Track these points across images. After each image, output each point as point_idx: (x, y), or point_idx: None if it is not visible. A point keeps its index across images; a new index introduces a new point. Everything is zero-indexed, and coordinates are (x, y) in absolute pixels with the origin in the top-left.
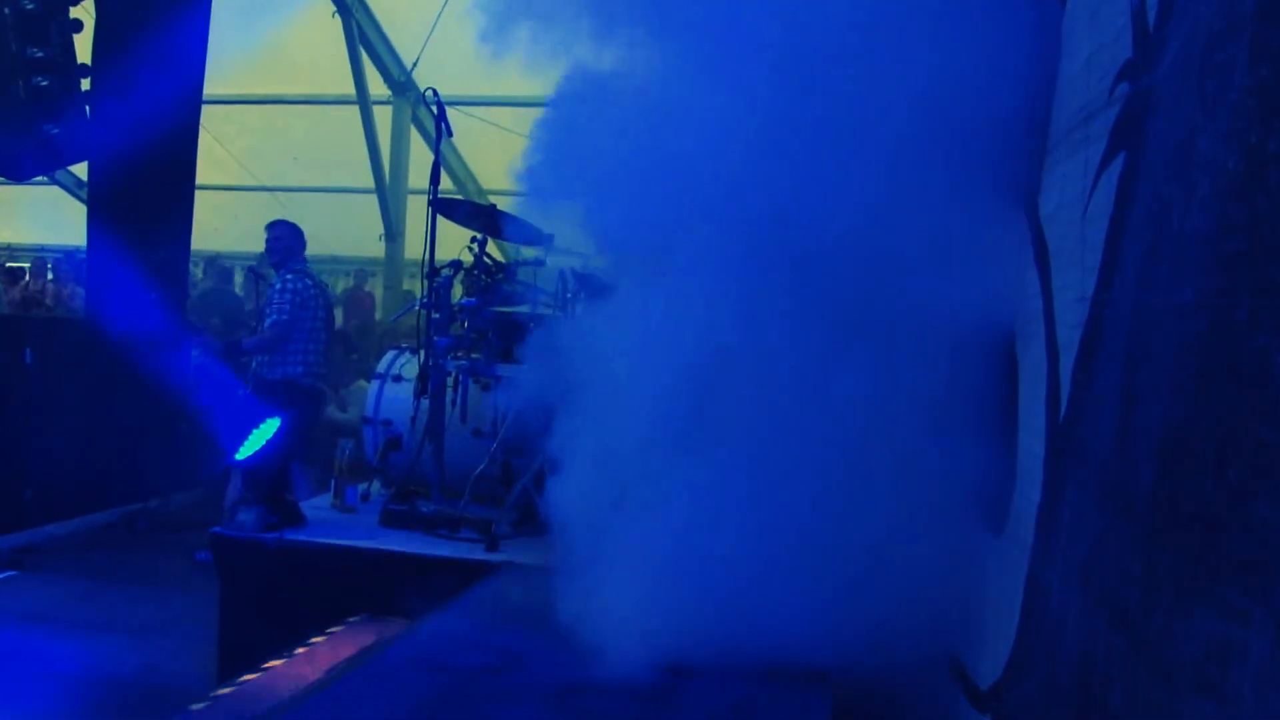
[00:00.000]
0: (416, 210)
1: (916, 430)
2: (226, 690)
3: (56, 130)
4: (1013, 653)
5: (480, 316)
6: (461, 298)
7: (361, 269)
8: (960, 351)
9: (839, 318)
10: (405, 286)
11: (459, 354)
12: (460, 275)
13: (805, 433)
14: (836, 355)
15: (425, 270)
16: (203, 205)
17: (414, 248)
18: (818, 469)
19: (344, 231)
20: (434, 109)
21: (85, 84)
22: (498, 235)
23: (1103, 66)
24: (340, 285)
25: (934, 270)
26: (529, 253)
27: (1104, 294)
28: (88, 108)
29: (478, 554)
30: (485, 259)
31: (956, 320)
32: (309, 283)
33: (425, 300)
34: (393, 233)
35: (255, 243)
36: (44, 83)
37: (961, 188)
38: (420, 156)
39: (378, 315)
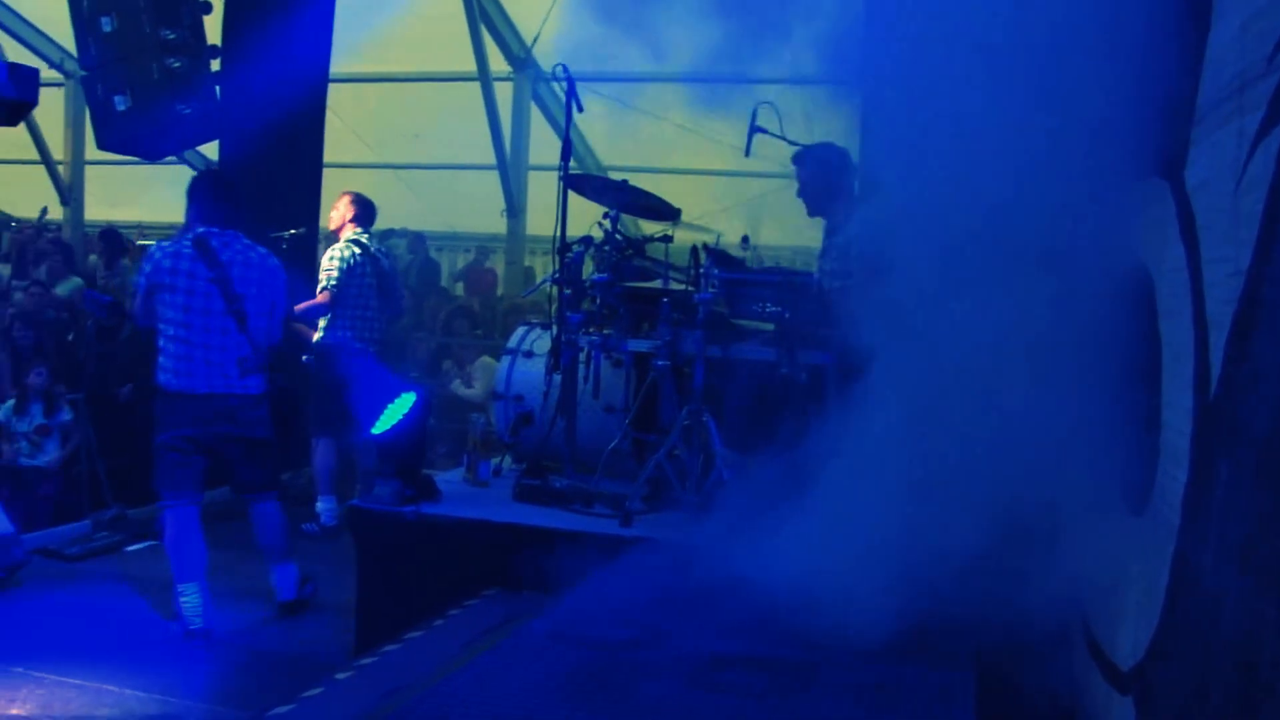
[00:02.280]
0: (537, 186)
1: (1057, 408)
2: (369, 660)
3: (188, 110)
4: (1157, 634)
5: (611, 292)
6: (592, 273)
7: (482, 245)
8: (1101, 329)
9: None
10: (526, 262)
11: (590, 329)
12: (591, 251)
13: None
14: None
15: (556, 246)
16: (325, 183)
17: (535, 223)
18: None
19: (464, 208)
20: (563, 85)
21: (215, 65)
22: (629, 210)
23: (1260, 33)
24: (460, 261)
25: (1077, 246)
26: (658, 229)
27: (1262, 267)
28: (217, 88)
29: (612, 529)
30: (617, 235)
31: (1100, 299)
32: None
33: (556, 276)
34: (514, 208)
35: (378, 220)
36: (176, 64)
37: (1103, 161)
38: (540, 132)
39: (499, 291)
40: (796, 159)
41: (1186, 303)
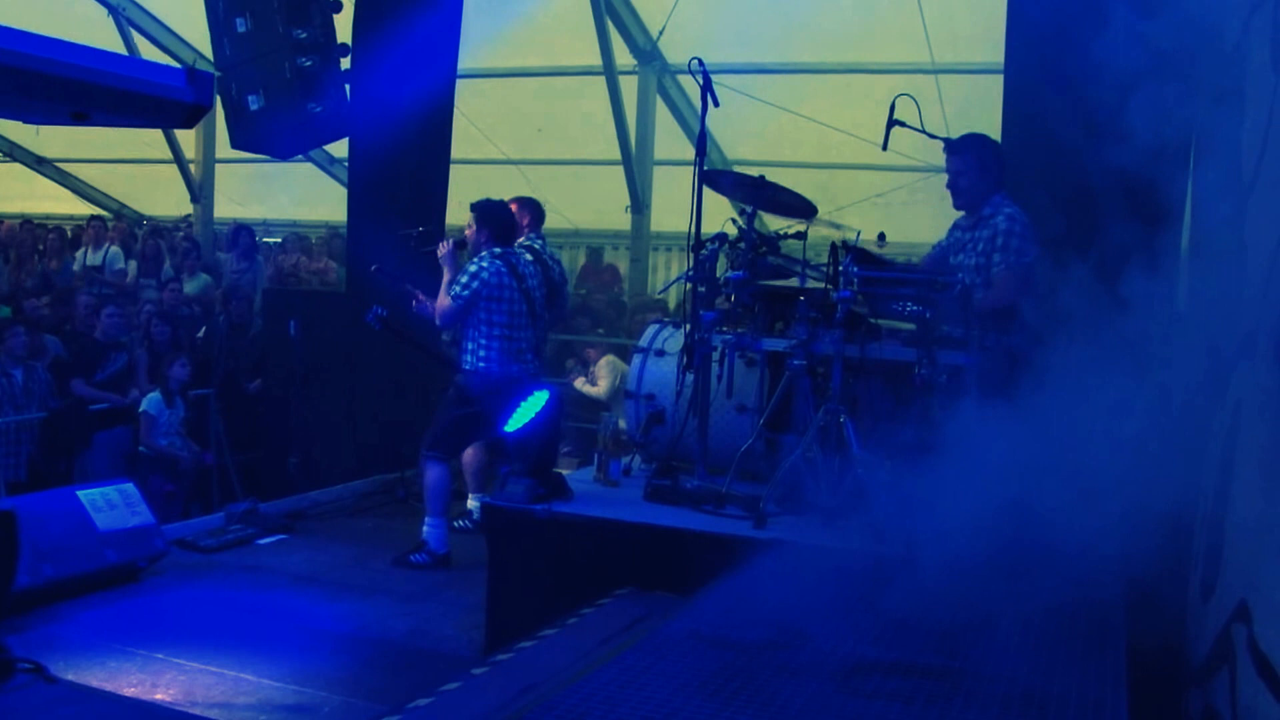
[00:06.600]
0: (662, 181)
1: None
2: (505, 656)
3: (319, 109)
4: None
5: (746, 290)
6: (726, 271)
7: (605, 242)
8: None
9: None
10: (650, 259)
11: (724, 328)
12: (725, 248)
13: None
14: None
15: (690, 243)
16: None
17: (660, 220)
18: None
19: (588, 204)
20: (692, 78)
21: (345, 63)
22: (765, 207)
23: None
24: (582, 258)
25: None
26: (787, 225)
27: None
28: (347, 87)
29: (745, 531)
30: (753, 232)
31: None
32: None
33: (690, 273)
34: (639, 204)
35: None
36: (307, 63)
37: None
38: (666, 126)
39: (622, 288)
40: (950, 148)
41: None
